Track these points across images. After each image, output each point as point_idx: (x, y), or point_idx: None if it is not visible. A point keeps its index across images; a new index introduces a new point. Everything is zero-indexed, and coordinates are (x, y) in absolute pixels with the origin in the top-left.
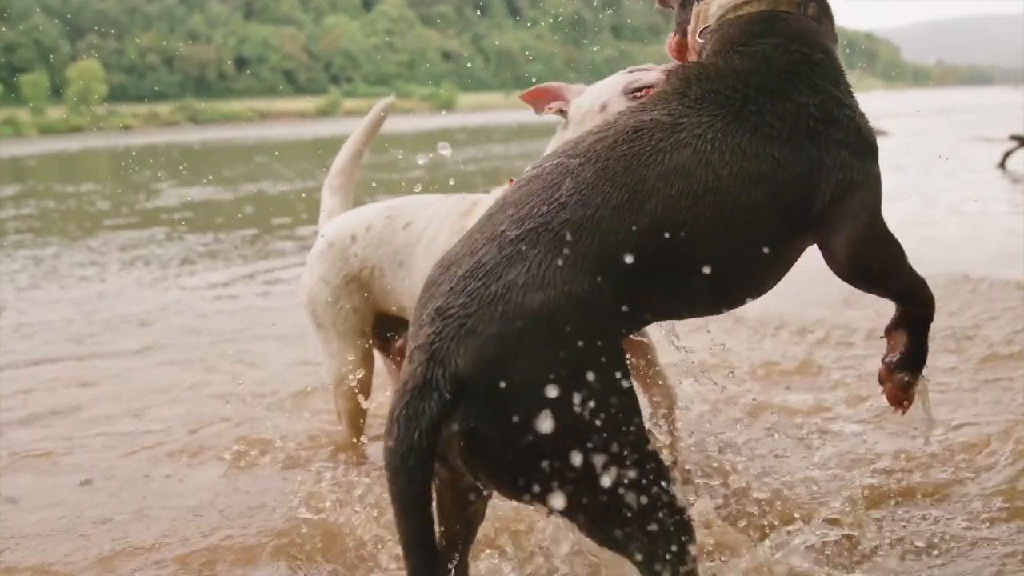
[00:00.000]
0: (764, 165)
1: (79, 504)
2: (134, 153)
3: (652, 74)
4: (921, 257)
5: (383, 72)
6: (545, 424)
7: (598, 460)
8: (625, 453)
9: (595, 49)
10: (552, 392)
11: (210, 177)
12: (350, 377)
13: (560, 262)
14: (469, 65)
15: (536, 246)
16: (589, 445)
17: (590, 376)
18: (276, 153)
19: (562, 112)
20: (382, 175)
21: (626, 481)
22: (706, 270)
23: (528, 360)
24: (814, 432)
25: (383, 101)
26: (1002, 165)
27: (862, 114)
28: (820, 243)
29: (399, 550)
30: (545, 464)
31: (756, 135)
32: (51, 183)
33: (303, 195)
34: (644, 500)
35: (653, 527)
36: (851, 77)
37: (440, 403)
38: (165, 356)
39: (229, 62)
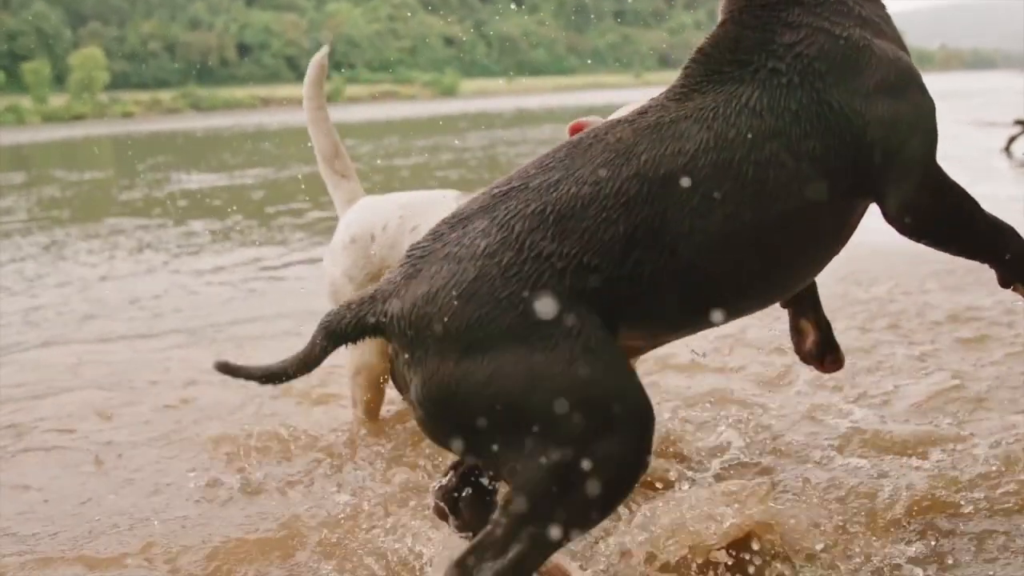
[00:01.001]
0: (778, 120)
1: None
2: (137, 141)
3: None
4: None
5: (385, 58)
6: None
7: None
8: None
9: (598, 34)
10: (460, 348)
11: (214, 164)
12: (367, 367)
13: (519, 219)
14: (470, 52)
15: (508, 201)
16: (492, 412)
17: (508, 343)
18: (278, 140)
19: None
20: (408, 161)
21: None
22: (726, 240)
23: (450, 308)
24: None
25: (316, 56)
26: (1007, 150)
27: (890, 45)
28: (877, 203)
29: None
30: (447, 423)
31: (763, 90)
32: (55, 170)
33: (309, 180)
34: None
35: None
36: None
37: (358, 317)
38: (178, 340)
39: (231, 49)
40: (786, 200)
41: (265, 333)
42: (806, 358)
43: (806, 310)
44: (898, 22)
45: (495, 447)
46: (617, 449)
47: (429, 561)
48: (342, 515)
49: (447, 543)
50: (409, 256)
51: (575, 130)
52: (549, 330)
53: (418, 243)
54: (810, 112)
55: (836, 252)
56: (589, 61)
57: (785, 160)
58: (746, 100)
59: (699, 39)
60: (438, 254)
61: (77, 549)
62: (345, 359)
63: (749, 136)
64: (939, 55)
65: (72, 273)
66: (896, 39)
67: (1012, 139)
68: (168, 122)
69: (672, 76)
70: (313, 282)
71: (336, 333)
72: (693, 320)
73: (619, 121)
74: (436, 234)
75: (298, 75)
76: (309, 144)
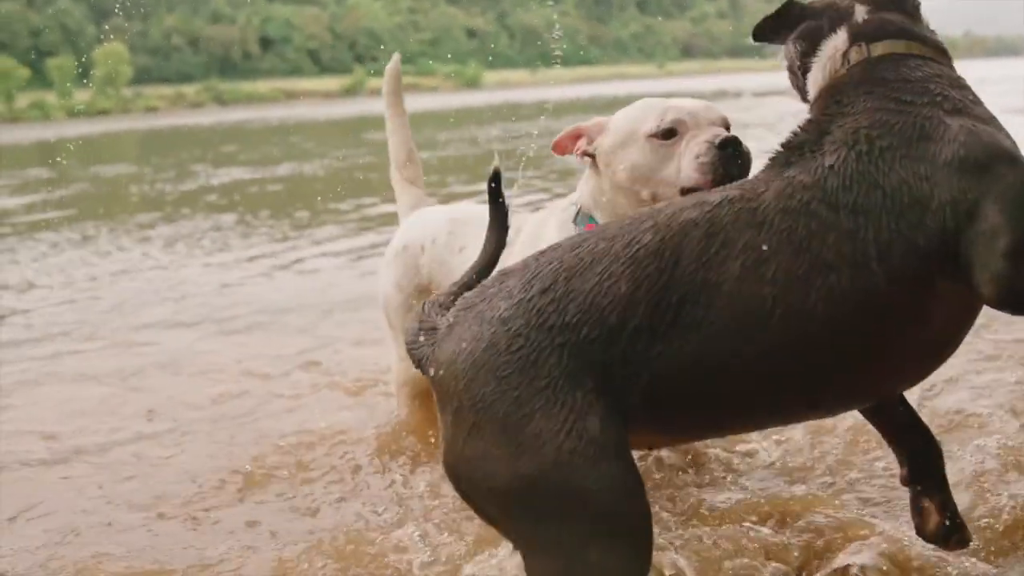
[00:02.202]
0: (841, 202)
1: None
2: (163, 135)
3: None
4: None
5: (407, 50)
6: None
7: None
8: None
9: (620, 25)
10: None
11: (241, 158)
12: (411, 381)
13: (539, 279)
14: (493, 45)
15: (543, 256)
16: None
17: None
18: (301, 135)
19: (587, 154)
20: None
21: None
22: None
23: (467, 382)
24: None
25: (389, 66)
26: None
27: (969, 120)
28: (967, 283)
29: None
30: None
31: (830, 172)
32: (83, 166)
33: (337, 174)
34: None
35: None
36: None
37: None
38: (213, 330)
39: (253, 43)
40: (842, 286)
41: (301, 324)
42: (928, 538)
43: (930, 489)
44: (923, 10)
45: (502, 530)
46: (611, 563)
47: None
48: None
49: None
50: (459, 305)
51: (568, 139)
52: (540, 425)
53: (471, 293)
54: (877, 192)
55: (912, 360)
56: (612, 52)
57: (843, 244)
58: (810, 183)
59: (721, 28)
60: (473, 311)
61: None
62: (392, 369)
63: (811, 223)
64: (963, 42)
65: (104, 267)
66: (981, 116)
67: None
68: (192, 116)
69: (695, 66)
70: (337, 274)
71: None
72: (711, 423)
73: (688, 198)
74: (484, 286)
75: (320, 68)
76: (336, 140)
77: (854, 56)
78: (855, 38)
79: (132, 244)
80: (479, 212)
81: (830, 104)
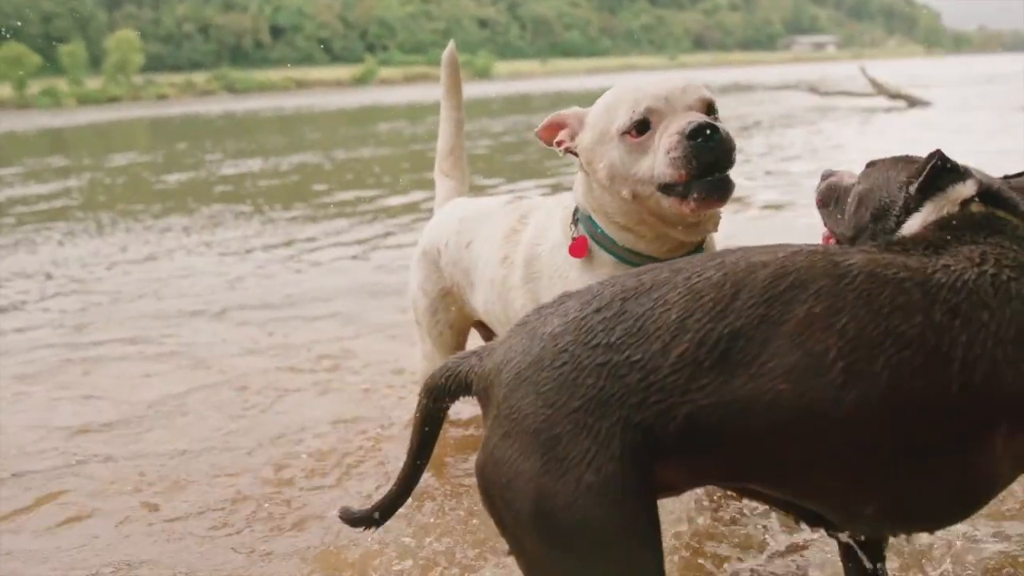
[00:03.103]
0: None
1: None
2: (175, 123)
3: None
4: None
5: (419, 40)
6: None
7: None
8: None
9: (631, 16)
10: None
11: (255, 148)
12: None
13: (597, 299)
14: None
15: (612, 281)
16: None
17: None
18: (313, 124)
19: (570, 151)
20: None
21: None
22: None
23: (509, 406)
24: None
25: (445, 54)
26: None
27: None
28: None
29: None
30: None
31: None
32: (96, 154)
33: (347, 165)
34: None
35: None
36: (891, 43)
37: (455, 372)
38: (242, 318)
39: (264, 31)
40: (914, 365)
41: (319, 312)
42: None
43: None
44: (937, 4)
45: (510, 540)
46: None
47: None
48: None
49: None
50: (516, 322)
51: (549, 129)
52: (566, 450)
53: (529, 312)
54: (984, 311)
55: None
56: (622, 43)
57: (929, 332)
58: (914, 266)
59: (733, 20)
60: (527, 326)
61: None
62: (415, 366)
63: (898, 297)
64: (977, 37)
65: (120, 257)
66: None
67: None
68: (203, 104)
69: (707, 58)
70: (353, 263)
71: (434, 388)
72: (738, 469)
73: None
74: (544, 306)
75: (332, 57)
76: (348, 129)
77: (974, 207)
78: (982, 196)
79: (146, 234)
80: (485, 207)
81: (944, 231)
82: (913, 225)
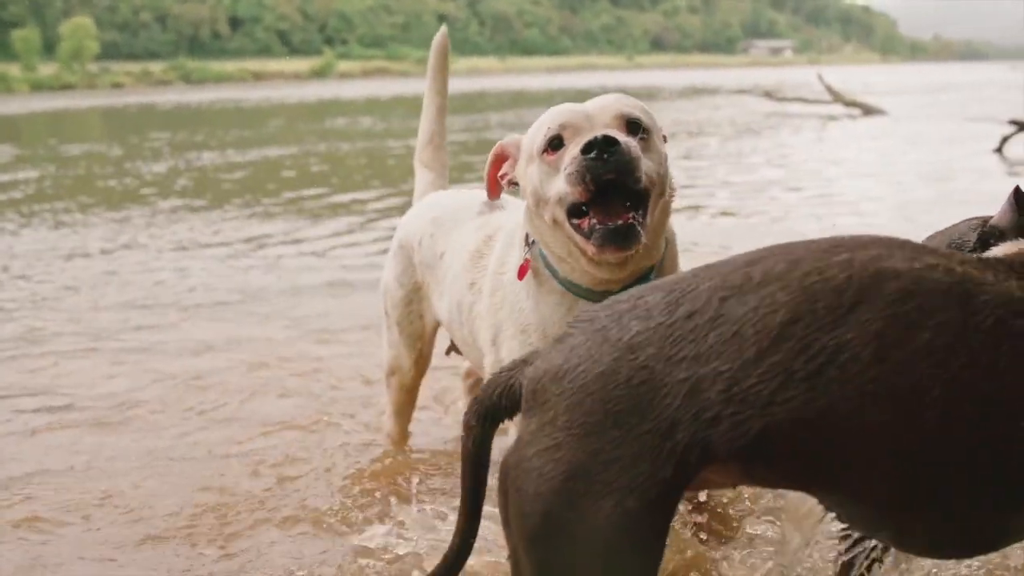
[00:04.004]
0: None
1: None
2: (131, 113)
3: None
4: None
5: (378, 34)
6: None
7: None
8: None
9: (591, 15)
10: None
11: (213, 140)
12: (401, 371)
13: (674, 304)
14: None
15: (694, 278)
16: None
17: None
18: (271, 117)
19: (511, 181)
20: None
21: None
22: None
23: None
24: None
25: (436, 38)
26: (999, 150)
27: None
28: None
29: None
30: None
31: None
32: (51, 144)
33: (306, 160)
34: None
35: None
36: (847, 50)
37: (507, 384)
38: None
39: (223, 22)
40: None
41: (267, 311)
42: None
43: None
44: (893, 12)
45: (514, 544)
46: None
47: None
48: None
49: None
50: (581, 315)
51: (495, 163)
52: (618, 476)
53: (598, 305)
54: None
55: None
56: (582, 43)
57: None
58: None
59: (692, 23)
60: (595, 324)
61: None
62: (383, 355)
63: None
64: (932, 45)
65: (78, 249)
66: None
67: (1005, 139)
68: (159, 94)
69: (665, 59)
70: (312, 260)
71: (488, 408)
72: (806, 480)
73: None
74: (617, 299)
75: (290, 50)
76: (307, 123)
77: None
78: None
79: (103, 228)
80: (455, 209)
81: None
82: (1002, 249)
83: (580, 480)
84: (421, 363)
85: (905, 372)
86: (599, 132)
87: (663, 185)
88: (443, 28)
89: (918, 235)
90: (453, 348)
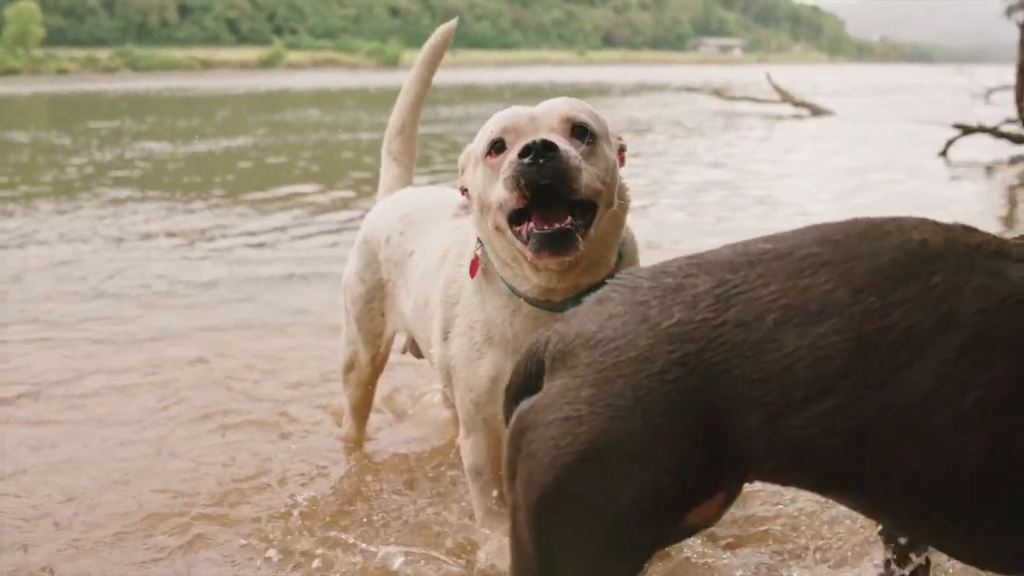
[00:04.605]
0: None
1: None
2: (77, 100)
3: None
4: None
5: (329, 25)
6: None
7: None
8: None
9: (543, 9)
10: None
11: (160, 130)
12: (358, 367)
13: (724, 295)
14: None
15: (754, 267)
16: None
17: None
18: (220, 107)
19: (463, 190)
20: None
21: None
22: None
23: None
24: None
25: (444, 27)
26: (944, 154)
27: None
28: None
29: None
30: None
31: None
32: None
33: (264, 151)
34: None
35: None
36: (796, 49)
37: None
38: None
39: (171, 9)
40: None
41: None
42: None
43: None
44: (842, 13)
45: (515, 506)
46: None
47: None
48: None
49: None
50: (623, 280)
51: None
52: (639, 467)
53: (642, 272)
54: None
55: None
56: (533, 37)
57: None
58: None
59: (643, 19)
60: (636, 296)
61: None
62: (338, 355)
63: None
64: (879, 47)
65: (27, 237)
66: None
67: (950, 143)
68: (106, 81)
69: (616, 55)
70: (258, 252)
71: (519, 387)
72: (844, 489)
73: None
74: (663, 271)
75: (239, 38)
76: (257, 113)
77: None
78: None
79: (49, 218)
80: (428, 208)
81: None
82: None
83: (598, 464)
84: (379, 360)
85: (974, 391)
86: (540, 136)
87: (611, 194)
88: (453, 21)
89: None
90: (411, 348)
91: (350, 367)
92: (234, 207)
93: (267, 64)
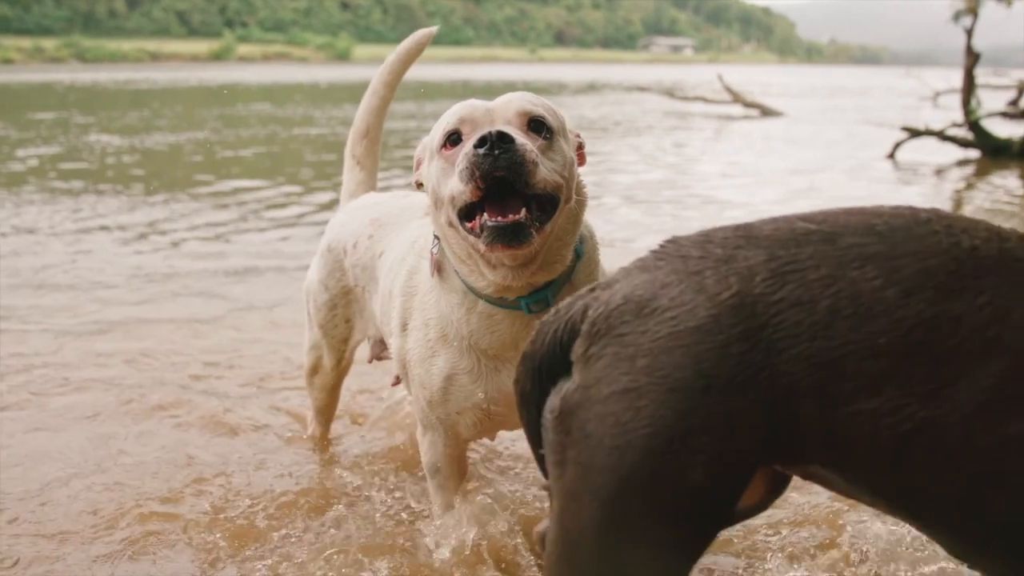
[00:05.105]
0: None
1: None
2: (24, 91)
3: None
4: None
5: (279, 18)
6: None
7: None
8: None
9: (495, 7)
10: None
11: (107, 122)
12: (322, 372)
13: (783, 273)
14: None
15: (806, 245)
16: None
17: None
18: (171, 100)
19: (419, 184)
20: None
21: None
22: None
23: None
24: None
25: (422, 32)
26: (892, 156)
27: None
28: None
29: None
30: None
31: None
32: None
33: (215, 146)
34: None
35: None
36: (746, 50)
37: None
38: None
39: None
40: None
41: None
42: None
43: None
44: (792, 14)
45: (559, 493)
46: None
47: None
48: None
49: None
50: (668, 248)
51: (417, 163)
52: (703, 443)
53: (688, 240)
54: None
55: None
56: (485, 34)
57: None
58: None
59: (595, 18)
60: (687, 265)
61: None
62: (303, 358)
63: None
64: (829, 49)
65: None
66: None
67: (898, 145)
68: (53, 72)
69: (567, 54)
70: (208, 245)
71: (544, 358)
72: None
73: None
74: (710, 240)
75: (189, 31)
76: (207, 108)
77: None
78: None
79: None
80: (398, 212)
81: None
82: None
83: (666, 441)
84: (344, 364)
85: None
86: (497, 128)
87: (568, 190)
88: (433, 28)
89: None
90: (376, 354)
91: (314, 371)
92: (186, 201)
93: (217, 57)
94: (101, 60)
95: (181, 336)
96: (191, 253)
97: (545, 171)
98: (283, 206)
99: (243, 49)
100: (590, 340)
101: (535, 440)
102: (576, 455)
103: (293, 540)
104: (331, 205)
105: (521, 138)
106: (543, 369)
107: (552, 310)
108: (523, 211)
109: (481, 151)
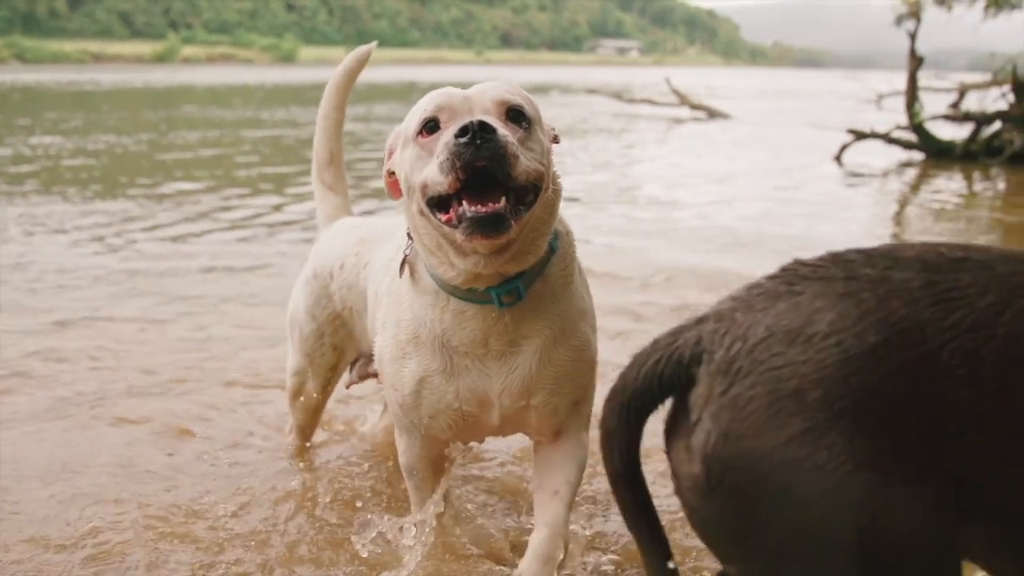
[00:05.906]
0: None
1: None
2: None
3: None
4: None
5: (224, 20)
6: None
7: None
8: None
9: (441, 8)
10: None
11: (50, 124)
12: (306, 395)
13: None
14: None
15: (961, 272)
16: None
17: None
18: (115, 102)
19: (391, 173)
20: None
21: None
22: None
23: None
24: None
25: (361, 49)
26: (838, 158)
27: None
28: None
29: None
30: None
31: None
32: None
33: (162, 149)
34: None
35: None
36: (691, 52)
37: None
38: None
39: None
40: None
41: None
42: None
43: None
44: (737, 17)
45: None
46: None
47: None
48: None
49: None
50: (785, 271)
51: (389, 154)
52: (906, 476)
53: (808, 260)
54: None
55: None
56: (431, 36)
57: None
58: None
59: (541, 20)
60: (834, 286)
61: None
62: (287, 378)
63: None
64: (772, 51)
65: None
66: None
67: (844, 147)
68: None
69: (514, 56)
70: (160, 246)
71: (635, 394)
72: None
73: None
74: (844, 258)
75: (132, 32)
76: (152, 110)
77: None
78: None
79: None
80: (385, 230)
81: None
82: None
83: (879, 471)
84: (329, 389)
85: None
86: (477, 117)
87: (547, 181)
88: (372, 44)
89: (761, 239)
90: (360, 377)
91: (297, 394)
92: (136, 202)
93: (162, 58)
94: (43, 61)
95: (140, 336)
96: (144, 253)
97: (526, 162)
98: (235, 208)
99: (188, 50)
100: (730, 379)
101: (624, 495)
102: (773, 515)
103: (253, 545)
104: (280, 207)
105: (502, 129)
106: (632, 407)
107: (651, 341)
108: (503, 201)
109: (463, 141)
